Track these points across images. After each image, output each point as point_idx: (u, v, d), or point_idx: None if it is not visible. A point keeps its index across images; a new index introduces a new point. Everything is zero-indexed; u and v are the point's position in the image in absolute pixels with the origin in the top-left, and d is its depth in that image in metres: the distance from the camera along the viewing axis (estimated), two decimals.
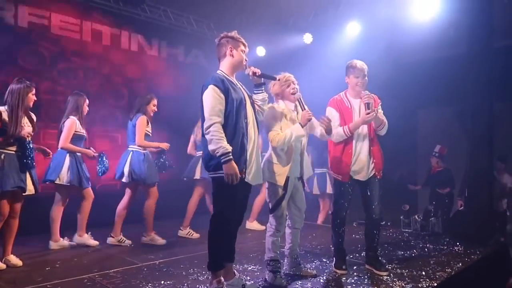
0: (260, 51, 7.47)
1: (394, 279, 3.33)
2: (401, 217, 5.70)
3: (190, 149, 5.46)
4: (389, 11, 5.99)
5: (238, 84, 2.98)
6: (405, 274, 3.49)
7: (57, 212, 4.36)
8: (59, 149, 4.35)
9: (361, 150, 3.51)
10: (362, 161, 3.51)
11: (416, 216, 5.66)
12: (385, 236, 5.18)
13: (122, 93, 6.59)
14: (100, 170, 4.51)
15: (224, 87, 2.78)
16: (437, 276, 3.42)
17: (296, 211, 3.39)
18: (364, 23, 6.45)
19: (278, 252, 3.30)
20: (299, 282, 3.30)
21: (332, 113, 3.51)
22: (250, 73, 3.01)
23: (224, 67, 2.96)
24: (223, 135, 2.72)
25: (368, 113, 3.34)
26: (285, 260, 3.54)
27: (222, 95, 2.76)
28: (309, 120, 3.17)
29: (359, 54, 6.32)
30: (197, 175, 5.08)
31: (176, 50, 7.43)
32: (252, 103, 3.02)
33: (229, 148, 2.70)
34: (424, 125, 7.37)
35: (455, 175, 6.19)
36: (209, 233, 2.90)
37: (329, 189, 5.80)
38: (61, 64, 5.95)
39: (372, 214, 3.57)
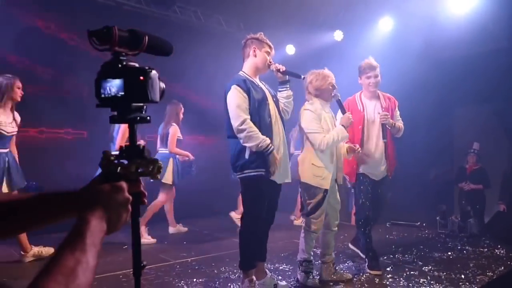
0: (290, 49, 7.42)
1: (431, 282, 3.22)
2: (437, 217, 5.50)
3: None
4: (424, 5, 5.79)
5: (260, 84, 2.99)
6: (443, 277, 3.36)
7: (169, 205, 5.16)
8: (166, 152, 4.92)
9: (375, 151, 3.53)
10: (375, 161, 3.55)
11: (453, 217, 5.45)
12: (420, 237, 5.02)
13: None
14: (186, 172, 5.04)
15: (246, 87, 2.83)
16: (478, 280, 3.28)
17: (332, 212, 3.32)
18: (397, 18, 6.27)
19: (312, 253, 3.25)
20: (331, 283, 3.24)
21: (341, 113, 3.44)
22: (274, 69, 3.02)
23: (247, 68, 3.00)
24: (257, 129, 2.75)
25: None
26: (320, 265, 3.44)
27: (245, 94, 2.81)
28: (351, 122, 3.18)
29: (393, 51, 6.21)
30: None
31: (206, 51, 7.48)
32: (276, 102, 3.03)
33: (268, 139, 2.77)
34: (460, 123, 7.09)
35: (492, 175, 5.91)
36: (240, 232, 2.92)
37: None
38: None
39: (379, 210, 3.72)
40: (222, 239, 4.97)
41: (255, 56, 2.96)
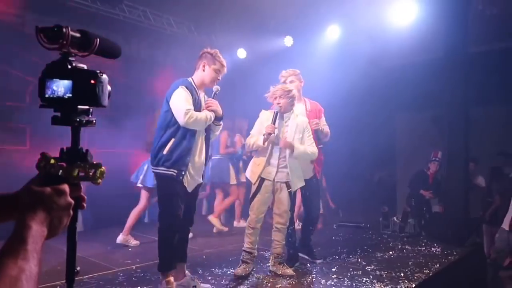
0: (241, 53, 7.45)
1: (374, 281, 3.35)
2: (380, 218, 5.74)
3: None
4: (369, 15, 6.06)
5: (201, 96, 3.07)
6: (384, 275, 3.51)
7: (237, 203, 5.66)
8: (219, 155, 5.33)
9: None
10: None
11: (395, 218, 5.72)
12: (364, 238, 5.21)
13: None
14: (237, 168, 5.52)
15: (190, 91, 2.95)
16: (416, 277, 3.45)
17: (275, 210, 3.52)
18: (344, 26, 6.51)
19: (254, 246, 3.46)
20: (271, 277, 3.27)
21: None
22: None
23: (195, 78, 3.08)
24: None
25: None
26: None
27: (190, 95, 2.93)
28: (269, 134, 3.31)
29: (339, 58, 6.43)
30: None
31: (156, 52, 7.33)
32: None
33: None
34: (402, 129, 7.49)
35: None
36: (158, 231, 2.97)
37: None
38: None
39: (309, 213, 3.94)
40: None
41: (204, 70, 3.03)
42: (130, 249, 4.50)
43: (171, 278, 2.95)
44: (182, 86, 2.92)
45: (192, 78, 3.08)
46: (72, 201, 0.80)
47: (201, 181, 3.13)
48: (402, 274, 3.53)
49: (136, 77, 6.62)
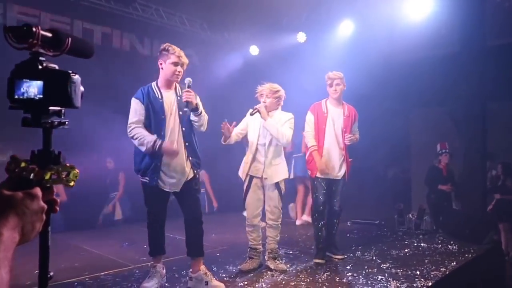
0: (254, 50, 7.44)
1: (389, 279, 3.31)
2: (395, 215, 5.68)
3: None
4: (382, 10, 5.98)
5: (167, 95, 3.02)
6: (400, 273, 3.47)
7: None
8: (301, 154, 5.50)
9: (330, 151, 3.84)
10: (331, 161, 3.84)
11: (410, 215, 5.65)
12: (379, 235, 5.17)
13: (112, 95, 6.48)
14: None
15: (142, 95, 2.99)
16: (432, 276, 3.41)
17: (266, 206, 3.63)
18: (357, 22, 6.44)
19: (258, 241, 3.61)
20: (276, 275, 3.27)
21: (309, 117, 3.92)
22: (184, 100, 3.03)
23: (159, 78, 3.08)
24: (145, 132, 2.94)
25: None
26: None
27: (139, 103, 2.97)
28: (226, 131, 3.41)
29: (352, 53, 6.36)
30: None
31: None
32: (181, 115, 3.03)
33: (152, 137, 2.91)
34: (416, 124, 7.38)
35: None
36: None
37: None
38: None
39: (334, 206, 3.94)
40: (183, 242, 4.88)
41: (162, 69, 3.03)
42: (145, 246, 4.55)
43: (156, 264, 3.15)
44: (133, 98, 3.01)
45: (156, 81, 3.09)
46: (45, 206, 0.77)
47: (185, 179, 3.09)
48: (418, 272, 3.48)
49: (149, 76, 6.65)
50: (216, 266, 3.66)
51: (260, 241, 3.64)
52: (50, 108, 0.83)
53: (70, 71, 0.84)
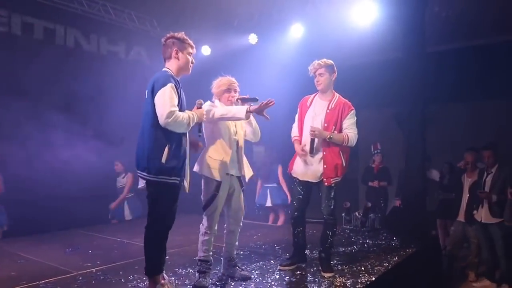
0: (205, 50, 7.39)
1: (336, 275, 3.41)
2: (343, 214, 5.86)
3: None
4: (331, 15, 6.17)
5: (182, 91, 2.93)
6: (346, 270, 3.59)
7: None
8: None
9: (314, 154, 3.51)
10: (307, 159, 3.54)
11: (356, 213, 5.86)
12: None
13: (55, 91, 6.16)
14: None
15: (178, 87, 2.78)
16: (375, 271, 3.55)
17: (231, 213, 3.31)
18: (307, 25, 6.59)
19: (210, 253, 3.19)
20: (232, 284, 3.25)
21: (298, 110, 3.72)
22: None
23: (172, 69, 2.88)
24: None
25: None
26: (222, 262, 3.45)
27: (177, 93, 2.74)
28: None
29: (303, 56, 6.49)
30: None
31: (116, 47, 7.12)
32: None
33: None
34: (363, 126, 7.65)
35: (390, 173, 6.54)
36: (149, 239, 2.80)
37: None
38: None
39: (323, 214, 3.65)
40: (130, 246, 4.75)
41: (178, 59, 2.87)
42: (90, 251, 4.37)
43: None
44: (169, 84, 2.69)
45: (169, 69, 2.85)
46: None
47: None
48: (362, 268, 3.62)
49: (96, 73, 6.40)
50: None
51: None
52: None
53: None
